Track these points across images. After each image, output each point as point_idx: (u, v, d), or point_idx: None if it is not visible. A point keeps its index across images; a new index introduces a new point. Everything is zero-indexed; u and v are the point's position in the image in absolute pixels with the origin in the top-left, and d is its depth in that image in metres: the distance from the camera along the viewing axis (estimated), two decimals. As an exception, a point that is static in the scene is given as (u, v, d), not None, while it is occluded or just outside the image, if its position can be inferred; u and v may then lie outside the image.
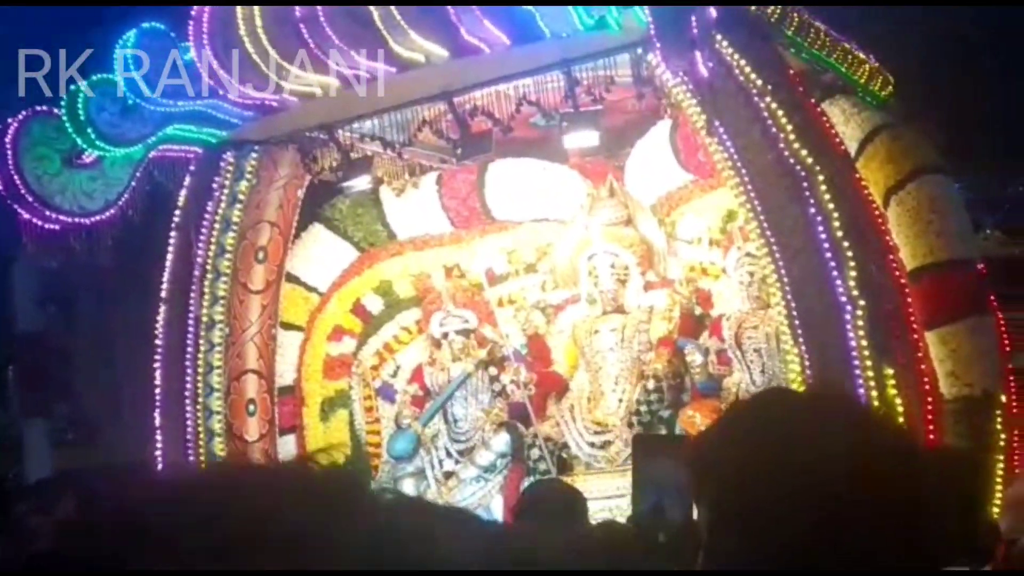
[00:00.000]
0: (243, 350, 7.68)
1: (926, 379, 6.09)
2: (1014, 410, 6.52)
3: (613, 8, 5.90)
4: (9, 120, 6.99)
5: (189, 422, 7.52)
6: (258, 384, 7.74)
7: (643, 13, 5.69)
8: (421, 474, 8.24)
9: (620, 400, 7.71)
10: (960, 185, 7.25)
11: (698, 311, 7.76)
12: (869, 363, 5.85)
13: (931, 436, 5.94)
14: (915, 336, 6.15)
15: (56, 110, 6.93)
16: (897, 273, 6.15)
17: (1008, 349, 6.75)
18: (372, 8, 6.19)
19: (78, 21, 7.67)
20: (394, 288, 8.52)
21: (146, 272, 8.55)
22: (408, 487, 8.23)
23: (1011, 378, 6.57)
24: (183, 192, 7.59)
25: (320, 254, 8.32)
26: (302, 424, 8.20)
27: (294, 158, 7.62)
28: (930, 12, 9.65)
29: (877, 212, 6.29)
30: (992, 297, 6.79)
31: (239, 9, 6.49)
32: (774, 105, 6.01)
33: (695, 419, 7.42)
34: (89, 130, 6.84)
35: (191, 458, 7.37)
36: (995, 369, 6.38)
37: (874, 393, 5.86)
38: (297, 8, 6.37)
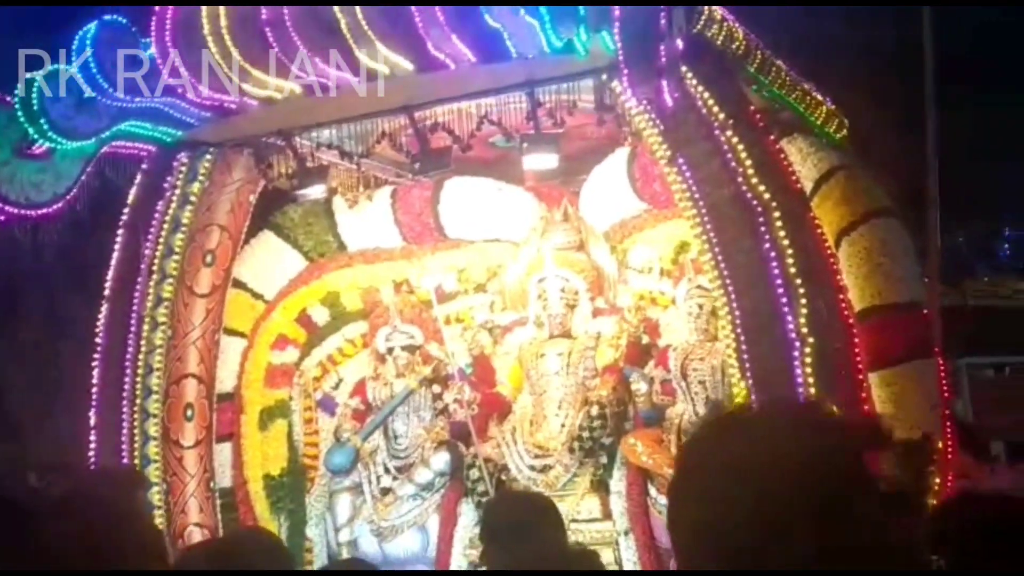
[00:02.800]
0: (184, 354, 7.55)
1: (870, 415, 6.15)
2: (949, 455, 6.61)
3: (581, 32, 5.91)
4: (-40, 106, 6.84)
5: (125, 424, 7.37)
6: (197, 389, 7.61)
7: (611, 39, 5.71)
8: (358, 489, 8.15)
9: (562, 425, 7.69)
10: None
11: (645, 340, 7.77)
12: (815, 400, 5.89)
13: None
14: (860, 376, 6.22)
15: (9, 98, 6.78)
16: (846, 313, 6.22)
17: (948, 395, 6.85)
18: (340, 16, 6.15)
19: (39, 13, 7.50)
20: (341, 300, 8.44)
21: (86, 273, 8.42)
22: (344, 502, 8.14)
23: (948, 424, 6.66)
24: (133, 190, 7.47)
25: (268, 261, 8.22)
26: (240, 432, 8.07)
27: (249, 163, 7.54)
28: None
29: (829, 251, 6.36)
30: (935, 342, 6.91)
31: (205, 9, 6.41)
32: (735, 139, 6.07)
33: (636, 447, 7.42)
34: (42, 121, 6.69)
35: (124, 460, 7.23)
36: (935, 413, 6.46)
37: (817, 430, 5.89)
38: (263, 10, 6.31)
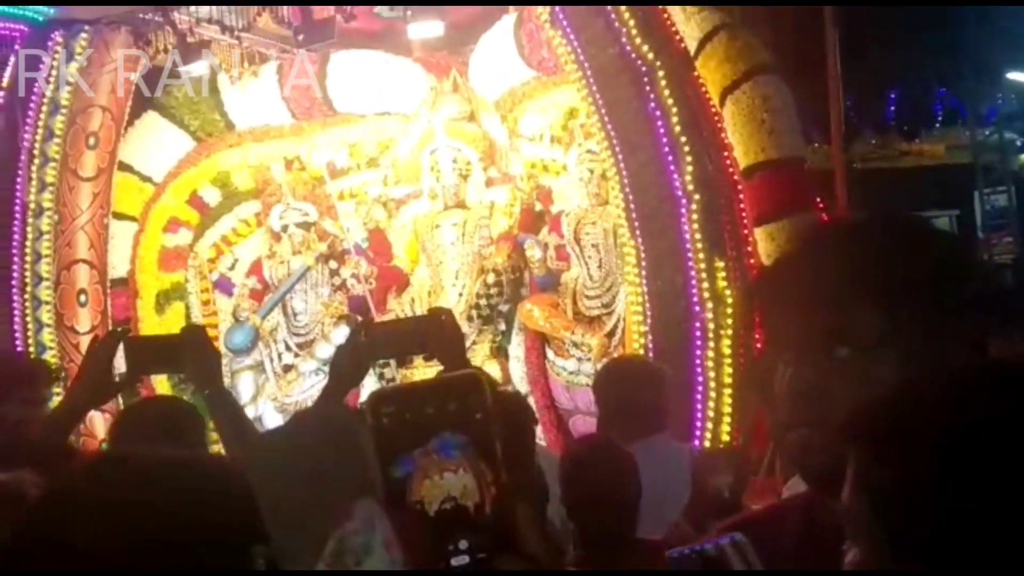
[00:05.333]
0: (73, 239, 7.45)
1: (754, 272, 6.33)
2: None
3: None
4: None
5: (16, 312, 7.28)
6: (90, 274, 7.53)
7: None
8: (259, 367, 8.19)
9: (460, 294, 7.78)
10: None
11: (538, 207, 7.86)
12: (702, 255, 6.05)
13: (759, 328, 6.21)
14: (745, 231, 6.37)
15: None
16: (731, 170, 6.33)
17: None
18: None
19: None
20: (232, 180, 8.36)
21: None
22: (246, 380, 8.19)
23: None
24: (8, 72, 7.24)
25: (155, 143, 8.08)
26: (136, 316, 8.03)
27: (127, 40, 7.34)
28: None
29: (714, 110, 6.44)
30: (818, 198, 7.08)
31: None
32: (617, -1, 6.08)
33: (533, 312, 7.57)
34: (-96, 0, 6.45)
35: (19, 348, 7.15)
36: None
37: (705, 285, 6.07)
38: None
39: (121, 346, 2.89)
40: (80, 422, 3.11)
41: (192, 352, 2.81)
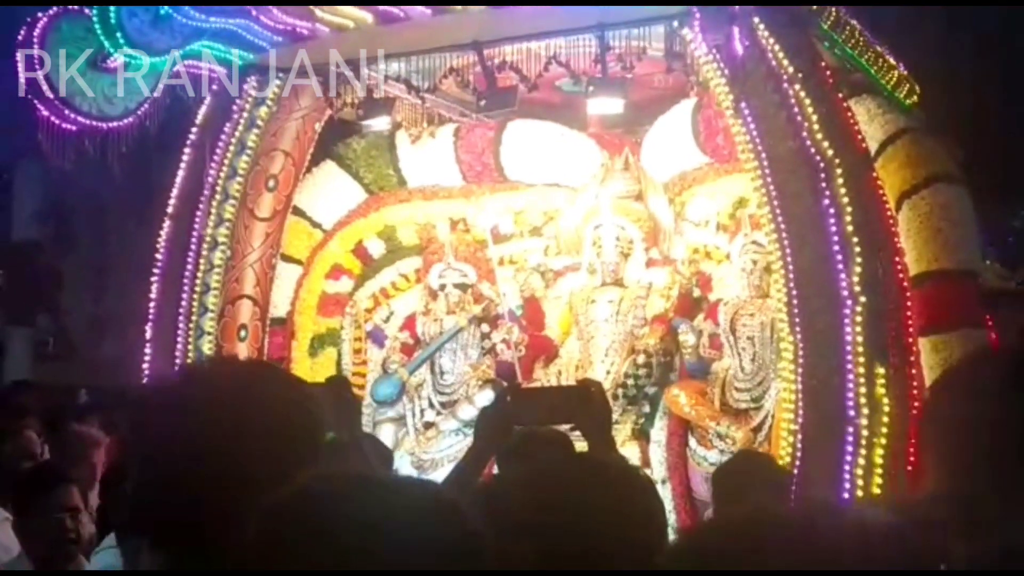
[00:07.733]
0: (242, 275, 7.69)
1: (915, 383, 6.12)
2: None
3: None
4: (39, 15, 6.97)
5: (180, 340, 7.52)
6: (252, 311, 7.75)
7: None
8: (401, 420, 8.27)
9: (608, 372, 7.74)
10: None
11: (696, 293, 7.79)
12: (862, 359, 5.88)
13: (914, 440, 6.00)
14: (910, 340, 6.19)
15: (87, 10, 6.91)
16: (901, 275, 6.19)
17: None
18: (415, -53, 6.19)
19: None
20: (398, 234, 8.53)
21: (145, 195, 8.56)
22: (387, 432, 8.26)
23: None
24: (202, 111, 7.58)
25: (329, 191, 8.32)
26: (290, 357, 8.21)
27: (316, 91, 7.61)
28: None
29: (889, 213, 6.32)
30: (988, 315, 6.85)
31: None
32: (803, 93, 6.04)
33: (680, 398, 7.48)
34: (118, 35, 6.81)
35: (178, 375, 7.38)
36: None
37: (863, 390, 5.90)
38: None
39: None
40: None
41: (338, 404, 2.90)
